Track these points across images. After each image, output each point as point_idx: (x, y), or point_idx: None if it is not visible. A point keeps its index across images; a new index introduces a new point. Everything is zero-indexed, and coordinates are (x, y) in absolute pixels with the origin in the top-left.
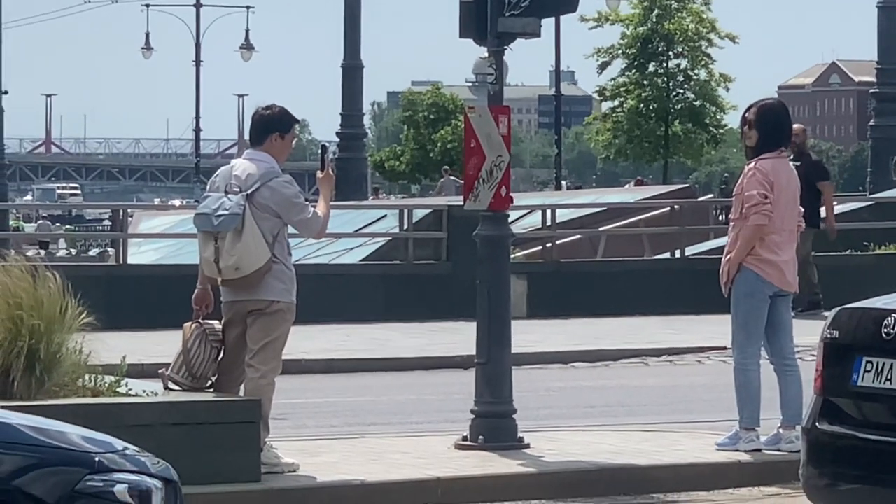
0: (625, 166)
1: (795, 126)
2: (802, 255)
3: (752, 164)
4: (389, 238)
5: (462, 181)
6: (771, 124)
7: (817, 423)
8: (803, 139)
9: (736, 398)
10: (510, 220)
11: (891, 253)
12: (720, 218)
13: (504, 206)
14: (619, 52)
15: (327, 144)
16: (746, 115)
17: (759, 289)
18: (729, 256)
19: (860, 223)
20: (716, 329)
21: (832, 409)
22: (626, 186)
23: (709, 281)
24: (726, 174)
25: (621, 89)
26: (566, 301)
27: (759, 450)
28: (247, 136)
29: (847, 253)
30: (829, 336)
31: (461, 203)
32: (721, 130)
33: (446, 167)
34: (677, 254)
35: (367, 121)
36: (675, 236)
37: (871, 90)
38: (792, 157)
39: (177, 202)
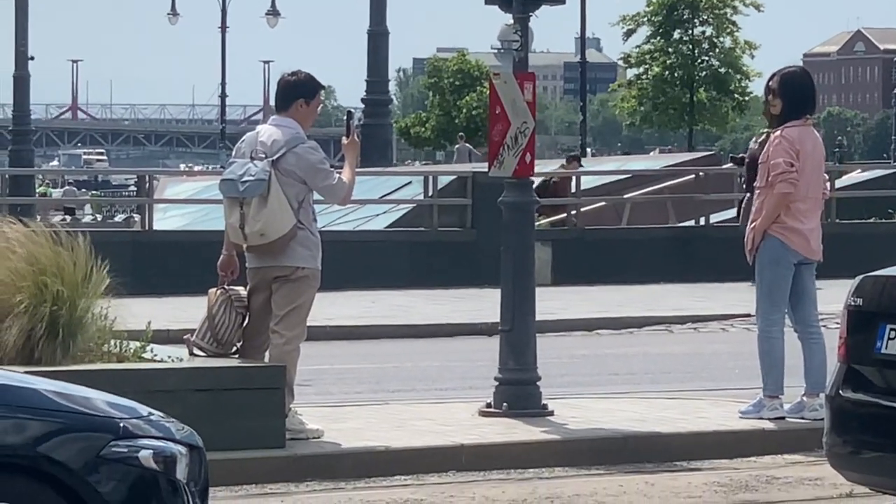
0: (649, 133)
1: None
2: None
3: (777, 133)
4: (414, 205)
5: (473, 148)
6: (795, 92)
7: (841, 391)
8: None
9: (760, 366)
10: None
11: None
12: (744, 186)
13: (528, 172)
14: (645, 19)
15: (353, 111)
16: (770, 83)
17: (783, 256)
18: (754, 224)
19: (884, 191)
20: (740, 296)
21: (856, 377)
22: (651, 154)
23: (733, 248)
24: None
25: (646, 56)
26: (590, 268)
27: (782, 417)
28: (272, 103)
29: (871, 221)
30: (852, 304)
31: (486, 170)
32: (746, 98)
33: (461, 134)
34: (702, 221)
35: (392, 87)
36: (700, 204)
37: None
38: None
39: (198, 168)
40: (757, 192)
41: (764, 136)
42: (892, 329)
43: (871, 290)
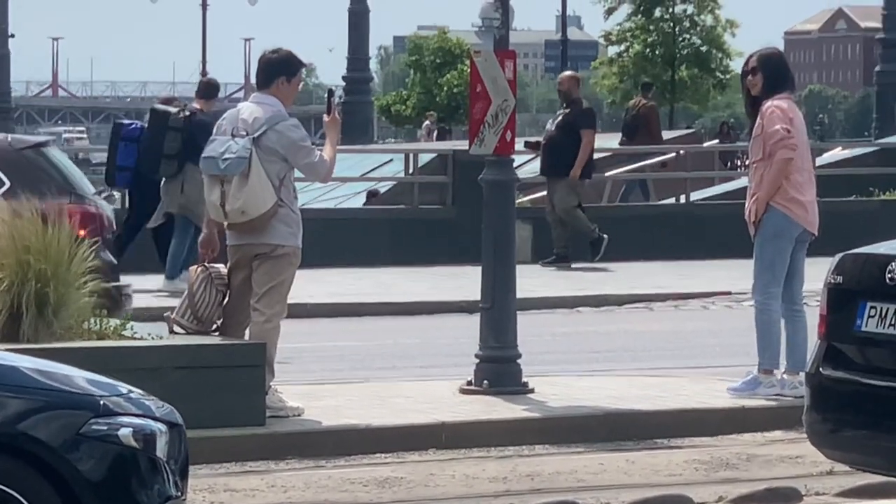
0: None
1: (563, 74)
2: (566, 205)
3: (768, 104)
4: (395, 182)
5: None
6: (774, 68)
7: (821, 369)
8: (569, 87)
9: (756, 340)
10: (515, 165)
11: (895, 199)
12: (726, 165)
13: (509, 150)
14: None
15: (333, 89)
16: (747, 67)
17: (787, 230)
18: (756, 196)
19: (865, 168)
20: (720, 274)
21: (836, 355)
22: None
23: (713, 226)
24: (731, 119)
25: (627, 34)
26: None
27: (779, 395)
28: (253, 80)
29: (852, 198)
30: (832, 281)
31: (466, 148)
32: (727, 76)
33: (430, 112)
34: (682, 199)
35: (373, 65)
36: (680, 181)
37: (878, 36)
38: (564, 104)
39: None
40: (754, 166)
41: (560, 118)
42: (871, 307)
43: (852, 268)
